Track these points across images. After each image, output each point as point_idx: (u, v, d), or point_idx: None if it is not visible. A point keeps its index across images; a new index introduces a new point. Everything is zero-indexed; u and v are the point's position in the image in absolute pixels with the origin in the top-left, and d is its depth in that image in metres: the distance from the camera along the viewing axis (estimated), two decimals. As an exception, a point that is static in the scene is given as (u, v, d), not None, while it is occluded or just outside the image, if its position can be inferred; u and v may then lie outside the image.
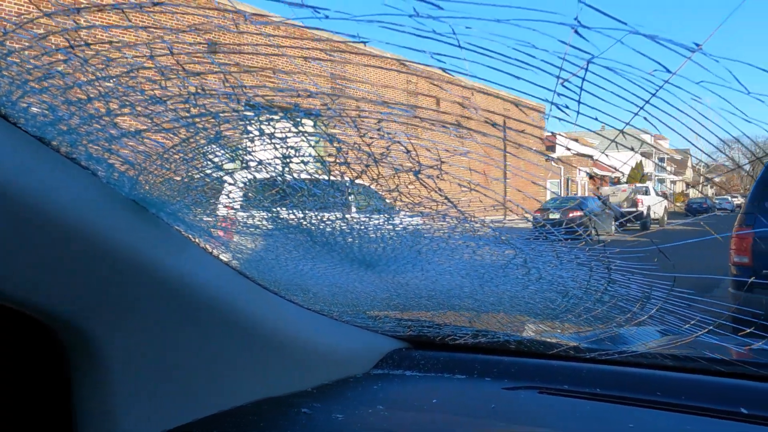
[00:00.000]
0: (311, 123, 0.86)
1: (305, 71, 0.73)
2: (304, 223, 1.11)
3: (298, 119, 0.84)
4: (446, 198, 0.98)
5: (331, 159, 0.93)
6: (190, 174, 1.03)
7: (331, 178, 0.97)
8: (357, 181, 0.98)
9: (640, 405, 1.20)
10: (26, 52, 0.82)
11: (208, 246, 1.20)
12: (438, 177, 0.93)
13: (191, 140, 0.94)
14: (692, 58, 0.62)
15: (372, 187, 0.98)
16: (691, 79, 0.66)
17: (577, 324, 1.48)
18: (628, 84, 0.68)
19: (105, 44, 0.76)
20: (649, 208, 28.10)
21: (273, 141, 0.90)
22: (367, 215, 1.06)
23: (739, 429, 1.09)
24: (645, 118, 0.73)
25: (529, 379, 1.39)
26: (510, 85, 0.69)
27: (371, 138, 0.87)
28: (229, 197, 1.05)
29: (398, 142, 0.86)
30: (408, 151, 0.88)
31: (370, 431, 1.12)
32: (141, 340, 0.99)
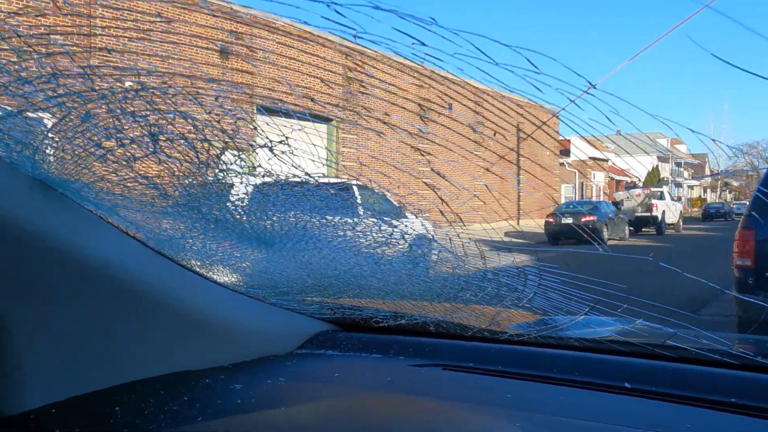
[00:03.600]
0: (162, 101, 0.93)
1: (136, 51, 0.81)
2: (191, 201, 1.19)
3: (150, 98, 0.92)
4: (306, 173, 1.05)
5: (192, 136, 1.01)
6: (77, 153, 1.11)
7: (199, 155, 1.05)
8: (224, 157, 1.05)
9: (536, 380, 1.26)
10: None
11: (121, 225, 1.27)
12: (291, 152, 1.00)
13: (66, 119, 1.02)
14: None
15: (237, 162, 1.05)
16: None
17: (478, 303, 1.53)
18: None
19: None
20: (663, 212, 27.76)
21: (137, 119, 0.98)
22: (243, 192, 1.13)
23: (620, 401, 1.14)
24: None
25: (438, 357, 1.44)
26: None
27: (217, 115, 0.94)
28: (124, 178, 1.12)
29: (242, 118, 0.93)
30: (255, 128, 0.96)
31: (259, 400, 1.18)
32: (49, 313, 1.05)
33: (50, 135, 1.10)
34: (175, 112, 0.95)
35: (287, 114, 0.89)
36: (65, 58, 0.86)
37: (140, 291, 1.20)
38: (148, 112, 0.96)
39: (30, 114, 1.07)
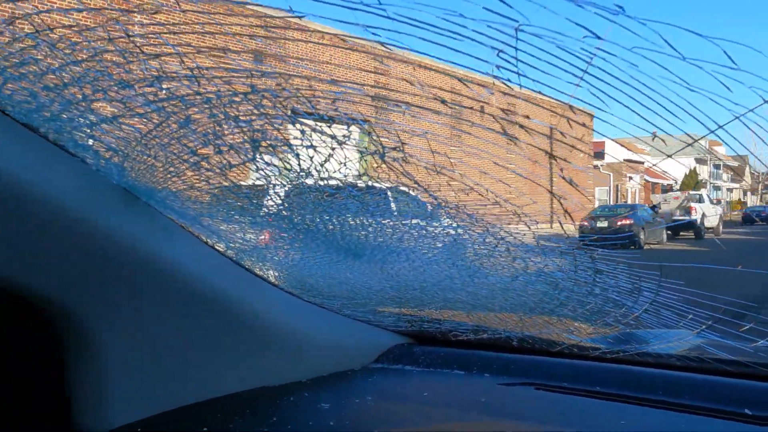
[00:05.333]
0: (271, 104, 0.86)
1: (257, 49, 0.74)
2: (284, 210, 1.12)
3: (258, 101, 0.85)
4: (415, 182, 0.97)
5: (297, 142, 0.94)
6: (169, 160, 1.05)
7: (301, 162, 0.98)
8: (327, 165, 0.98)
9: (640, 403, 1.16)
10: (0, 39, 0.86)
11: (202, 235, 1.22)
12: (403, 160, 0.93)
13: (164, 125, 0.97)
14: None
15: (341, 171, 0.98)
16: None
17: (574, 319, 1.44)
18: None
19: (66, 28, 0.79)
20: (703, 216, 27.06)
21: (240, 124, 0.92)
22: (342, 201, 1.06)
23: (740, 429, 1.04)
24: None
25: (526, 375, 1.36)
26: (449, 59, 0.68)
27: (329, 119, 0.87)
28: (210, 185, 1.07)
29: (355, 121, 0.86)
30: (369, 133, 0.88)
31: (352, 421, 1.11)
32: (133, 326, 1.01)
33: (144, 141, 1.05)
34: (284, 117, 0.88)
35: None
36: (174, 59, 0.80)
37: (219, 303, 1.16)
38: (254, 117, 0.89)
39: (125, 120, 1.01)
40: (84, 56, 0.85)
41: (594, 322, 1.41)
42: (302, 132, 0.92)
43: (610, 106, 0.68)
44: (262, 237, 1.26)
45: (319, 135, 0.91)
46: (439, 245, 1.16)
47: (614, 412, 1.13)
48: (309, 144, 0.94)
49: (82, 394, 1.02)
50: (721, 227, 29.50)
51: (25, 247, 0.81)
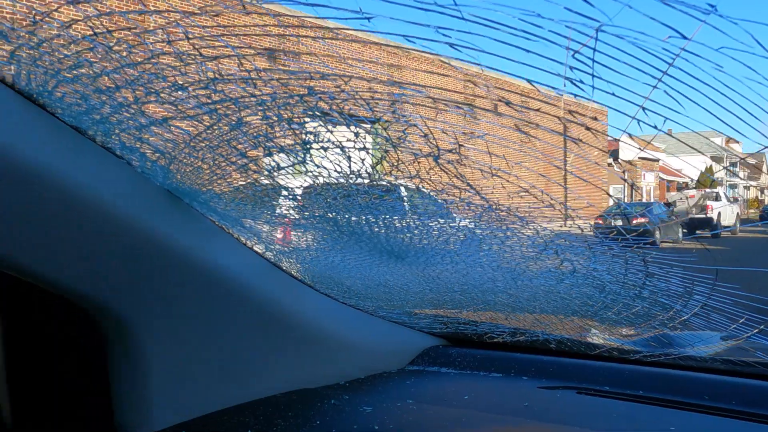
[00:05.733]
0: (327, 107, 0.85)
1: (314, 52, 0.73)
2: (329, 213, 1.11)
3: (314, 104, 0.84)
4: (468, 184, 0.96)
5: (350, 144, 0.93)
6: (217, 162, 1.05)
7: (352, 165, 0.97)
8: (377, 167, 0.97)
9: (686, 408, 1.14)
10: (55, 41, 0.86)
11: (241, 237, 1.22)
12: (458, 162, 0.91)
13: (215, 127, 0.96)
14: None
15: (393, 173, 0.97)
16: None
17: (617, 322, 1.42)
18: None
19: (125, 30, 0.79)
20: (719, 214, 26.76)
21: (292, 126, 0.91)
22: (390, 203, 1.05)
23: None
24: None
25: (567, 379, 1.34)
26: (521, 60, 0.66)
27: (387, 122, 0.86)
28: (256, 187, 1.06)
29: (414, 125, 0.84)
30: (425, 135, 0.87)
31: (396, 424, 1.10)
32: (175, 327, 1.01)
33: (192, 143, 1.04)
34: (338, 120, 0.87)
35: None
36: (232, 61, 0.79)
37: (259, 305, 1.16)
38: (308, 119, 0.88)
39: (176, 122, 1.01)
40: (140, 59, 0.84)
41: (638, 326, 1.38)
42: (356, 134, 0.91)
43: (685, 107, 0.66)
44: (305, 238, 1.25)
45: (373, 137, 0.90)
46: (485, 248, 1.14)
47: (661, 418, 1.11)
48: (362, 146, 0.93)
49: (126, 396, 1.02)
50: (738, 225, 29.14)
51: (71, 250, 0.81)
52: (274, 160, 0.99)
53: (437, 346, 1.60)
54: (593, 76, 0.64)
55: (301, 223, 1.18)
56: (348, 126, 0.88)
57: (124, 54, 0.84)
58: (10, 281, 1.01)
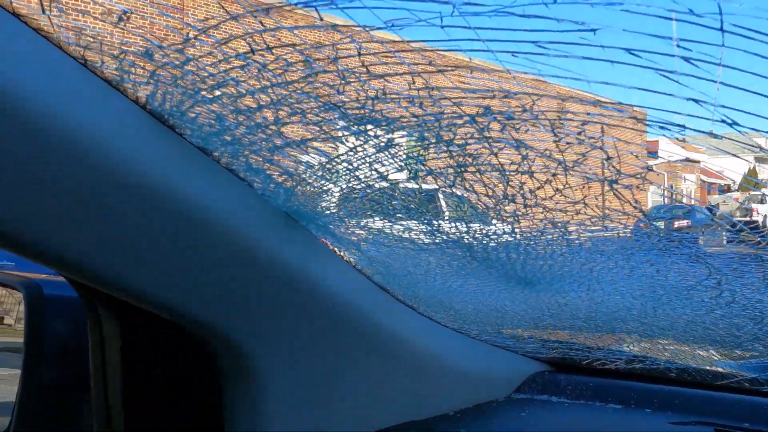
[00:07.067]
0: (499, 128, 0.76)
1: (506, 69, 0.64)
2: (467, 237, 1.02)
3: (486, 124, 0.76)
4: (641, 211, 0.85)
5: (513, 168, 0.84)
6: (351, 184, 0.97)
7: (509, 189, 0.88)
8: (538, 191, 0.88)
9: None
10: (204, 59, 0.79)
11: (351, 259, 1.15)
12: (638, 187, 0.81)
13: (358, 148, 0.88)
14: None
15: (551, 199, 0.88)
16: None
17: (762, 353, 1.29)
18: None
19: (288, 47, 0.71)
20: (765, 217, 25.89)
21: (450, 148, 0.82)
22: (539, 229, 0.95)
23: None
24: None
25: (697, 413, 1.23)
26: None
27: (567, 144, 0.76)
28: (390, 209, 0.98)
29: (600, 147, 0.75)
30: (609, 158, 0.77)
31: None
32: (293, 358, 0.96)
33: (328, 165, 0.97)
34: (509, 142, 0.77)
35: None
36: (402, 78, 0.71)
37: (371, 333, 1.11)
38: (472, 141, 0.79)
39: (316, 144, 0.94)
40: (295, 77, 0.77)
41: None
42: (524, 156, 0.81)
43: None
44: (427, 261, 1.17)
45: (545, 159, 0.81)
46: (634, 277, 1.04)
47: None
48: (526, 170, 0.83)
49: (240, 422, 0.96)
50: (786, 229, 28.13)
51: (191, 275, 0.77)
52: (417, 184, 0.90)
53: (543, 371, 1.51)
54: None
55: (429, 248, 1.09)
56: (517, 148, 0.79)
57: (279, 72, 0.77)
58: (127, 310, 0.97)
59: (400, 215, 1.00)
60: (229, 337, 0.87)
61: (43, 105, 0.58)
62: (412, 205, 0.95)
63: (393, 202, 0.98)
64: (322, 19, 0.63)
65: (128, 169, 0.66)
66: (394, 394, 1.16)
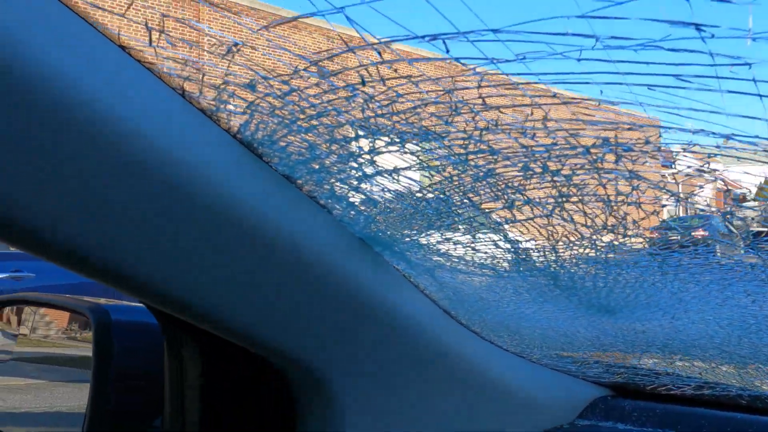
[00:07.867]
0: (614, 159, 0.74)
1: (638, 102, 0.61)
2: (554, 265, 0.99)
3: (600, 155, 0.73)
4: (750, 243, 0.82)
5: (621, 198, 0.81)
6: (440, 211, 0.94)
7: (610, 220, 0.85)
8: (640, 223, 0.85)
9: None
10: (307, 90, 0.77)
11: (420, 284, 1.13)
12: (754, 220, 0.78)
13: (455, 178, 0.86)
14: None
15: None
16: None
17: None
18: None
19: (402, 78, 0.69)
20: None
21: (555, 179, 0.79)
22: (634, 259, 0.92)
23: None
24: None
25: None
26: None
27: (686, 176, 0.73)
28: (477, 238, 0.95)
29: (722, 179, 0.71)
30: (728, 189, 0.74)
31: None
32: (368, 386, 0.95)
33: (419, 194, 0.94)
34: (623, 174, 0.74)
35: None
36: (514, 109, 0.68)
37: (439, 359, 1.09)
38: (580, 171, 0.76)
39: (407, 172, 0.91)
40: (402, 107, 0.74)
41: None
42: (634, 187, 0.78)
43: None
44: (504, 288, 1.14)
45: (655, 191, 0.78)
46: (726, 307, 1.00)
47: None
48: (635, 201, 0.80)
49: None
50: (804, 238, 27.83)
51: (265, 298, 0.75)
52: (512, 213, 0.88)
53: (605, 397, 1.47)
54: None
55: (510, 275, 1.06)
56: (629, 180, 0.76)
57: (386, 103, 0.74)
58: (207, 336, 0.95)
59: (486, 245, 0.97)
60: (307, 365, 0.86)
61: (141, 137, 0.56)
62: (502, 236, 0.92)
63: (480, 230, 0.95)
64: (448, 51, 0.60)
65: (216, 202, 0.64)
66: (460, 422, 1.14)
